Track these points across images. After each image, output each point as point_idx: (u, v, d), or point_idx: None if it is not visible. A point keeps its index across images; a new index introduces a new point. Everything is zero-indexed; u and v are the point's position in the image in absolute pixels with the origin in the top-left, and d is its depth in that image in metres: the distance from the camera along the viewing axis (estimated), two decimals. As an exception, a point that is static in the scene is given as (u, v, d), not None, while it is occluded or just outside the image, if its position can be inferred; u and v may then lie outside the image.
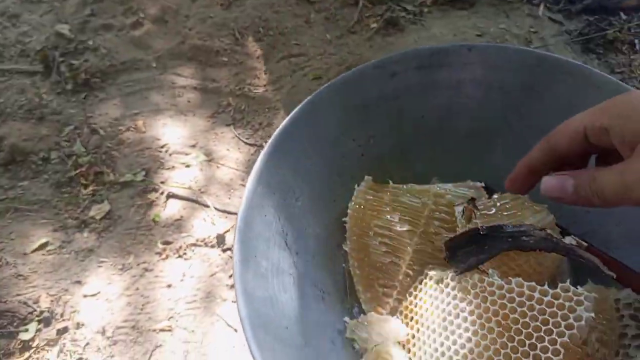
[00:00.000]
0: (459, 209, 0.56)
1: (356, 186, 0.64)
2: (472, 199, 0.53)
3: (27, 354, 0.58)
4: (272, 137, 0.58)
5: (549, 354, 0.43)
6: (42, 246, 0.67)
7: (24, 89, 0.86)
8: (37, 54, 0.90)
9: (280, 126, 0.60)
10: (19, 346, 0.58)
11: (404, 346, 0.55)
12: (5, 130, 0.79)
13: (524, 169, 0.41)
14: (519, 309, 0.47)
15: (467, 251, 0.48)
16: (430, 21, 0.92)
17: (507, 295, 0.48)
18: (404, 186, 0.63)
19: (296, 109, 0.62)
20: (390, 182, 0.65)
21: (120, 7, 0.95)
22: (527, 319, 0.46)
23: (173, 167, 0.76)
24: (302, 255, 0.61)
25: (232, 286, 0.65)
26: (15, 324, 0.59)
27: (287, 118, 0.61)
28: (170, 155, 0.77)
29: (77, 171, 0.75)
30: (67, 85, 0.85)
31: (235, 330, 0.61)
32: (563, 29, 0.90)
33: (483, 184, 0.64)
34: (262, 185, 0.57)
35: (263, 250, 0.56)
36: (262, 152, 0.57)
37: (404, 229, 0.59)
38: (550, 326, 0.44)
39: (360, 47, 0.88)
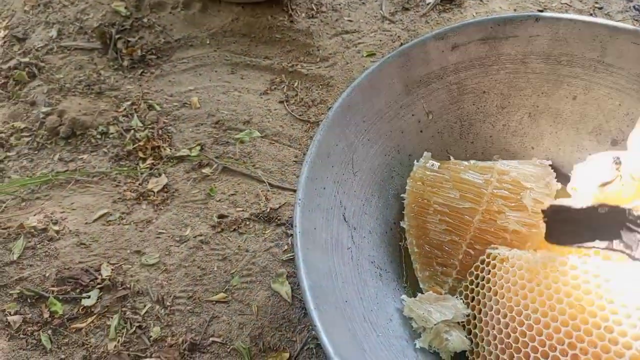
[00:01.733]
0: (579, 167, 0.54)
1: (415, 162, 0.63)
2: (618, 158, 0.50)
3: (89, 320, 0.60)
4: (331, 110, 0.57)
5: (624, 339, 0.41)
6: (103, 216, 0.69)
7: (82, 65, 0.88)
8: (94, 31, 0.92)
9: (339, 99, 0.59)
10: (82, 312, 0.60)
11: (464, 327, 0.54)
12: (65, 104, 0.82)
13: None
14: (594, 290, 0.44)
15: (573, 229, 0.45)
16: (489, -4, 0.89)
17: (582, 275, 0.46)
18: (466, 162, 0.61)
19: (355, 82, 0.61)
20: (452, 158, 0.64)
21: (174, -15, 0.96)
22: (602, 301, 0.44)
23: (227, 142, 0.76)
24: (359, 231, 0.61)
25: (287, 261, 0.65)
26: (78, 290, 0.61)
27: (346, 91, 0.60)
28: (224, 131, 0.78)
29: (135, 145, 0.76)
30: (123, 62, 0.87)
31: (290, 305, 0.61)
32: (631, 4, 0.85)
33: (550, 162, 0.61)
34: (322, 158, 0.56)
35: (322, 222, 0.55)
36: (321, 125, 0.57)
37: (466, 206, 0.58)
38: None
39: (416, 23, 0.86)
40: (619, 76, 0.61)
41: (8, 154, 0.79)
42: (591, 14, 0.84)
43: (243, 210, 0.69)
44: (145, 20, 0.92)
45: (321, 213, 0.55)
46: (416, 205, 0.60)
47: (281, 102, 0.80)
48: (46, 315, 0.59)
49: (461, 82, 0.65)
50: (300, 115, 0.78)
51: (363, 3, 0.90)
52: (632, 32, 0.60)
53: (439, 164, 0.61)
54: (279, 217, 0.68)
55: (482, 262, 0.56)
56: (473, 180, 0.58)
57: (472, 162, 0.60)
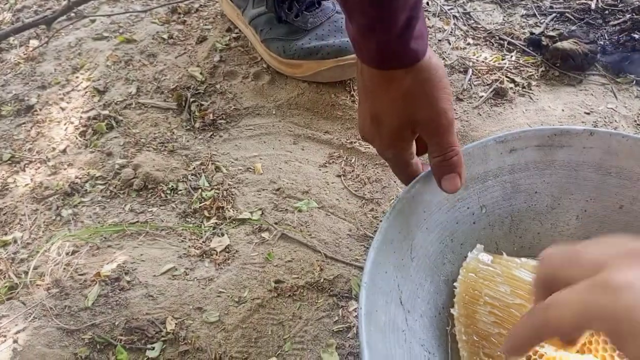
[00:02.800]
0: None
1: (469, 253, 0.68)
2: None
3: (150, 370, 0.64)
4: (397, 200, 0.63)
5: None
6: (169, 271, 0.74)
7: (158, 123, 0.96)
8: (170, 92, 1.01)
9: (405, 189, 0.64)
10: (146, 362, 0.64)
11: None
12: (140, 158, 0.89)
13: None
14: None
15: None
16: (539, 94, 0.95)
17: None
18: (519, 260, 0.65)
19: (420, 176, 0.66)
20: (504, 253, 0.68)
21: (246, 57, 1.05)
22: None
23: (286, 209, 0.82)
24: (412, 314, 0.65)
25: (337, 332, 0.68)
26: (143, 341, 0.66)
27: (412, 183, 0.65)
28: (284, 198, 0.83)
29: (201, 204, 0.82)
30: (195, 124, 0.95)
31: (339, 376, 0.64)
32: (676, 114, 0.90)
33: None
34: (386, 244, 0.61)
35: (382, 305, 0.60)
36: (388, 212, 0.62)
37: (516, 302, 0.61)
38: None
39: (469, 114, 0.92)
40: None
41: (82, 199, 0.86)
42: (635, 121, 0.90)
43: (298, 278, 0.73)
44: (218, 86, 1.00)
45: (382, 296, 0.59)
46: (467, 295, 0.64)
47: (338, 176, 0.86)
48: (113, 362, 0.63)
49: (515, 182, 0.70)
50: (355, 191, 0.84)
51: (419, 90, 0.97)
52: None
53: (492, 257, 0.65)
54: (331, 288, 0.72)
55: (529, 358, 0.59)
56: (524, 278, 0.62)
57: (523, 259, 0.64)
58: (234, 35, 1.10)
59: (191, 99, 0.98)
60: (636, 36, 0.99)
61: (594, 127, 0.89)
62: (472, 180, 0.69)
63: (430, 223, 0.68)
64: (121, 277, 0.72)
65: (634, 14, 1.05)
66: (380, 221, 0.80)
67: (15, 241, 0.81)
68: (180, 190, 0.85)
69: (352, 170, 0.87)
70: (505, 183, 0.71)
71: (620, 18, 1.06)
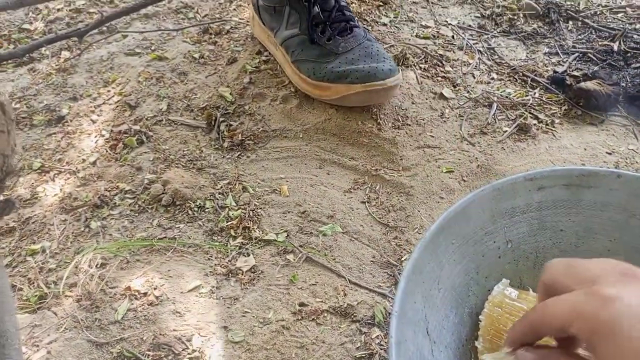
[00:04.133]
0: None
1: (495, 287, 0.69)
2: None
3: (173, 386, 0.65)
4: (428, 231, 0.64)
5: None
6: (196, 288, 0.75)
7: (187, 141, 0.98)
8: (200, 110, 1.03)
9: (436, 222, 0.66)
10: (172, 378, 0.65)
11: None
12: (170, 175, 0.91)
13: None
14: None
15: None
16: (561, 132, 0.97)
17: None
18: (544, 297, 0.66)
19: (451, 208, 0.68)
20: (530, 289, 0.69)
21: (275, 80, 1.08)
22: None
23: (311, 233, 0.83)
24: (438, 345, 0.66)
25: (359, 358, 0.69)
26: (170, 357, 0.67)
27: (442, 215, 0.67)
28: (309, 221, 0.85)
29: (228, 223, 0.84)
30: (224, 143, 0.97)
31: (362, 403, 0.65)
32: (696, 158, 0.92)
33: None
34: (416, 274, 0.62)
35: (411, 335, 0.61)
36: (419, 244, 0.63)
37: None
38: None
39: (492, 147, 0.94)
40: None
41: (111, 212, 0.88)
42: (656, 163, 0.91)
43: (322, 302, 0.75)
44: (247, 107, 1.03)
45: (410, 326, 0.60)
46: (492, 328, 0.64)
47: (363, 202, 0.88)
48: (140, 376, 0.64)
49: (542, 219, 0.71)
50: (380, 218, 0.85)
51: (444, 122, 0.99)
52: None
53: (518, 292, 0.66)
54: (354, 314, 0.73)
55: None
56: (549, 315, 0.63)
57: (549, 296, 0.65)
58: (263, 57, 1.13)
59: (220, 119, 1.00)
60: (658, 80, 1.01)
61: (616, 167, 0.90)
62: (500, 215, 0.70)
63: (457, 255, 0.69)
64: (149, 292, 0.73)
65: (655, 58, 1.08)
66: (404, 249, 0.82)
67: (43, 250, 0.82)
68: (208, 208, 0.87)
69: (377, 197, 0.88)
70: (532, 219, 0.72)
71: (642, 61, 1.08)
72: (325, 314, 0.73)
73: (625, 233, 0.72)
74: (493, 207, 0.70)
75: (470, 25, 1.22)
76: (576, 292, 0.34)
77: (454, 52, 1.15)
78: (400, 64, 1.08)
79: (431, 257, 0.65)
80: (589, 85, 0.97)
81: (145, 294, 0.73)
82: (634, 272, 0.34)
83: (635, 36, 1.16)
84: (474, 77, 1.09)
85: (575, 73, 1.04)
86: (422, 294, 0.65)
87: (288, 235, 0.83)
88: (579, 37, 1.19)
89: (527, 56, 1.16)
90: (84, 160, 0.97)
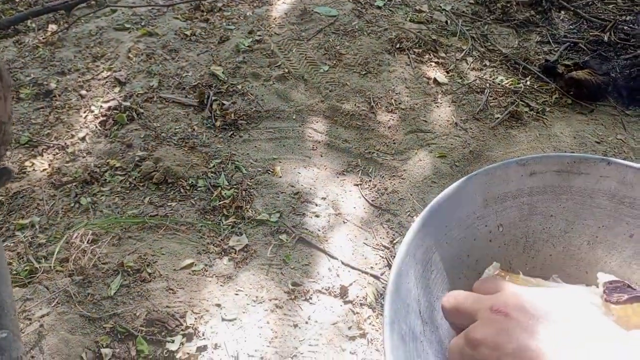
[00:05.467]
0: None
1: (486, 270, 0.70)
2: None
3: (166, 362, 0.65)
4: (421, 215, 0.65)
5: None
6: (189, 266, 0.75)
7: (179, 119, 0.97)
8: (192, 88, 1.02)
9: (428, 206, 0.66)
10: (165, 355, 0.65)
11: None
12: (161, 152, 0.90)
13: None
14: None
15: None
16: (552, 120, 0.98)
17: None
18: (534, 279, 0.68)
19: (444, 192, 0.68)
20: (521, 273, 0.70)
21: (268, 60, 1.07)
22: None
23: (304, 214, 0.84)
24: (429, 325, 0.67)
25: (351, 337, 0.70)
26: (163, 333, 0.67)
27: (435, 199, 0.67)
28: (302, 202, 0.85)
29: (221, 202, 0.84)
30: (216, 122, 0.96)
31: (353, 380, 0.66)
32: (680, 150, 0.94)
33: (604, 294, 0.68)
34: (410, 256, 0.63)
35: (403, 314, 0.61)
36: (413, 227, 0.64)
37: (529, 319, 0.64)
38: None
39: (484, 134, 0.95)
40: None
41: (102, 189, 0.87)
42: (642, 153, 0.93)
43: (315, 282, 0.75)
44: (239, 87, 1.02)
45: (403, 306, 0.61)
46: (482, 309, 0.66)
47: (356, 184, 0.88)
48: (133, 352, 0.64)
49: (532, 204, 0.72)
50: (372, 201, 0.86)
51: (437, 107, 1.00)
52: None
53: (509, 275, 0.68)
54: (347, 295, 0.74)
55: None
56: (538, 297, 0.64)
57: (538, 280, 0.67)
58: (256, 37, 1.11)
59: (213, 98, 0.99)
60: (647, 72, 1.03)
61: (604, 155, 0.92)
62: (492, 200, 0.71)
63: (450, 238, 0.70)
64: (142, 269, 0.73)
65: (644, 50, 1.10)
66: (397, 232, 0.82)
67: (32, 225, 0.81)
68: (200, 187, 0.87)
69: (370, 180, 0.89)
70: (523, 205, 0.73)
71: (632, 52, 1.10)
72: (318, 294, 0.74)
73: (614, 220, 0.74)
74: (485, 192, 0.71)
75: (464, 12, 1.23)
76: (459, 336, 0.38)
77: (447, 37, 1.15)
78: (394, 47, 1.08)
79: (424, 240, 0.66)
80: (580, 74, 0.98)
81: (138, 270, 0.73)
82: (505, 307, 0.37)
83: (625, 27, 1.17)
84: (467, 64, 1.09)
85: (567, 62, 1.05)
86: (415, 276, 0.65)
87: (281, 215, 0.83)
88: (571, 26, 1.20)
89: (519, 44, 1.17)
90: (72, 136, 0.95)
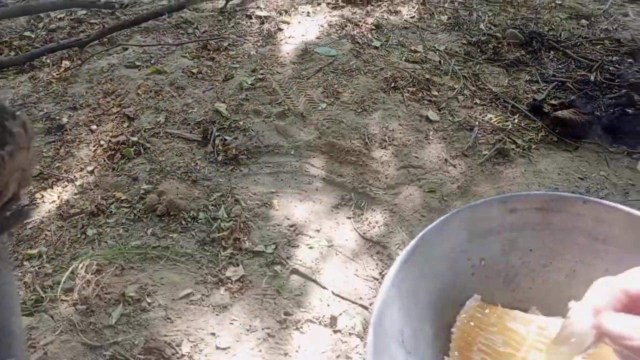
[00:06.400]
0: None
1: (467, 302, 0.73)
2: None
3: (162, 388, 0.68)
4: (407, 248, 0.69)
5: None
6: (187, 295, 0.79)
7: (183, 153, 1.02)
8: (196, 124, 1.07)
9: (414, 240, 0.70)
10: (162, 380, 0.68)
11: None
12: (165, 186, 0.95)
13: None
14: None
15: None
16: (537, 157, 1.02)
17: None
18: (512, 312, 0.71)
19: (430, 226, 0.72)
20: (499, 305, 0.74)
21: (269, 97, 1.12)
22: None
23: (298, 246, 0.88)
24: (413, 355, 0.70)
25: (340, 366, 0.73)
26: (160, 360, 0.70)
27: (420, 234, 0.71)
28: (297, 235, 0.89)
29: (220, 234, 0.88)
30: (218, 157, 1.01)
31: (340, 408, 0.69)
32: (662, 185, 0.97)
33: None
34: (394, 288, 0.67)
35: (387, 344, 0.65)
36: (397, 260, 0.68)
37: (506, 351, 0.67)
38: None
39: (472, 170, 0.99)
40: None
41: (107, 220, 0.91)
42: (624, 189, 0.97)
43: (306, 312, 0.79)
44: (241, 123, 1.08)
45: (386, 337, 0.64)
46: (463, 341, 0.69)
47: (349, 217, 0.93)
48: (131, 378, 0.68)
49: (513, 240, 0.76)
50: (364, 233, 0.90)
51: (429, 143, 1.05)
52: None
53: (488, 308, 0.71)
54: (335, 324, 0.78)
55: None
56: (516, 330, 0.68)
57: (516, 312, 0.70)
58: (259, 75, 1.18)
59: (216, 133, 1.05)
60: (630, 111, 1.08)
61: (587, 192, 0.96)
62: (476, 235, 0.75)
63: (434, 271, 0.73)
64: (142, 299, 0.77)
65: (629, 90, 1.14)
66: (386, 264, 0.86)
67: (40, 255, 0.86)
68: (201, 219, 0.91)
69: (362, 214, 0.93)
70: (504, 240, 0.77)
71: (617, 92, 1.15)
72: (309, 324, 0.77)
73: (590, 256, 0.77)
74: (469, 227, 0.75)
75: (457, 52, 1.28)
76: None
77: (440, 76, 1.21)
78: (389, 86, 1.14)
79: (409, 272, 0.70)
80: (565, 113, 1.03)
81: (138, 300, 0.77)
82: None
83: (610, 68, 1.22)
84: (459, 102, 1.14)
85: (553, 101, 1.10)
86: (399, 307, 0.69)
87: (276, 247, 0.87)
88: (559, 66, 1.26)
89: (509, 83, 1.22)
90: (82, 169, 1.01)
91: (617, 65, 1.25)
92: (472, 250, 0.79)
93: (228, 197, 0.95)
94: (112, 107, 1.14)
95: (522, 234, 0.80)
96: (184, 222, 0.91)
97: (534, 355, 0.67)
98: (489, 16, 1.37)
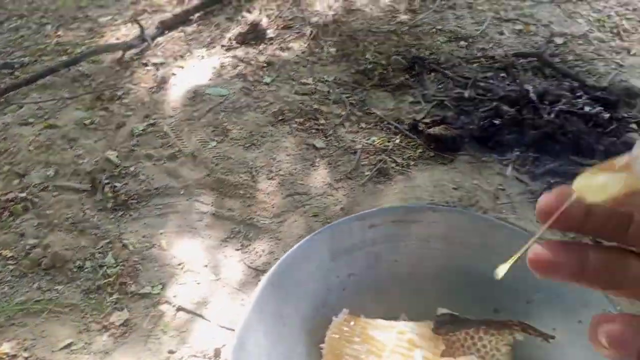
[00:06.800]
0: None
1: (334, 317, 0.77)
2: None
3: None
4: (268, 273, 0.72)
5: None
6: (68, 346, 0.79)
7: (72, 204, 1.03)
8: (86, 174, 1.09)
9: (276, 264, 0.74)
10: None
11: None
12: (51, 239, 0.95)
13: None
14: None
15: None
16: (415, 172, 1.09)
17: None
18: (372, 321, 0.75)
19: (288, 252, 0.76)
20: (362, 315, 0.78)
21: (160, 141, 1.15)
22: None
23: (185, 283, 0.90)
24: (284, 375, 0.72)
25: (222, 397, 0.75)
26: (35, 414, 0.70)
27: (281, 259, 0.75)
28: (184, 272, 0.91)
29: (105, 280, 0.89)
30: (108, 204, 1.03)
31: None
32: (528, 188, 1.06)
33: (433, 326, 0.76)
34: (256, 313, 0.70)
35: (251, 369, 0.67)
36: (259, 285, 0.71)
37: (369, 358, 0.71)
38: None
39: (355, 191, 1.05)
40: (497, 258, 0.78)
41: (-8, 279, 0.91)
42: (495, 195, 1.05)
43: (190, 347, 0.80)
44: (132, 168, 1.10)
45: (254, 359, 0.67)
46: (331, 355, 0.72)
47: (237, 250, 0.95)
48: None
49: (377, 253, 0.81)
50: (250, 263, 0.93)
51: (314, 170, 1.10)
52: (502, 227, 0.79)
53: (353, 320, 0.75)
54: (219, 355, 0.79)
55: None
56: (377, 337, 0.72)
57: (377, 320, 0.74)
58: (151, 121, 1.21)
59: (105, 181, 1.06)
60: (496, 122, 1.17)
61: (459, 201, 1.03)
62: (340, 253, 0.79)
63: (303, 291, 0.77)
64: (19, 354, 0.77)
65: (499, 103, 1.24)
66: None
67: None
68: (87, 268, 0.92)
69: (250, 244, 0.96)
70: (369, 254, 0.82)
71: (488, 106, 1.25)
72: (193, 358, 0.79)
73: (449, 259, 0.83)
74: (331, 247, 0.79)
75: (345, 81, 1.36)
76: None
77: (328, 106, 1.27)
78: (277, 119, 1.19)
79: (272, 295, 0.73)
80: (437, 130, 1.11)
81: (14, 356, 0.76)
82: None
83: (482, 84, 1.33)
84: (345, 128, 1.21)
85: (427, 120, 1.18)
86: (265, 331, 0.72)
87: (163, 287, 0.89)
88: (439, 86, 1.35)
89: (394, 106, 1.30)
90: (-32, 231, 1.00)
91: (490, 81, 1.35)
92: (339, 267, 0.83)
93: (116, 242, 0.96)
94: (3, 165, 1.14)
95: (385, 246, 0.85)
96: (69, 273, 0.91)
97: (395, 359, 0.71)
98: (374, 45, 1.46)
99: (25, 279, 0.90)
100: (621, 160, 0.21)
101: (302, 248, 0.78)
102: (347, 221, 0.81)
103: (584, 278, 0.23)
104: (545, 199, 0.22)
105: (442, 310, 0.81)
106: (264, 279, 0.73)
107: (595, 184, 0.22)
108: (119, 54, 1.43)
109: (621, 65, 1.48)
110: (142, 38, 1.44)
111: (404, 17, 1.55)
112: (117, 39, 1.53)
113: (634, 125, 1.29)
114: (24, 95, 1.37)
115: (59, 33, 1.58)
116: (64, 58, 1.46)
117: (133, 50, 1.45)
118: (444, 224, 0.83)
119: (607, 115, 1.32)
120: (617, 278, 0.23)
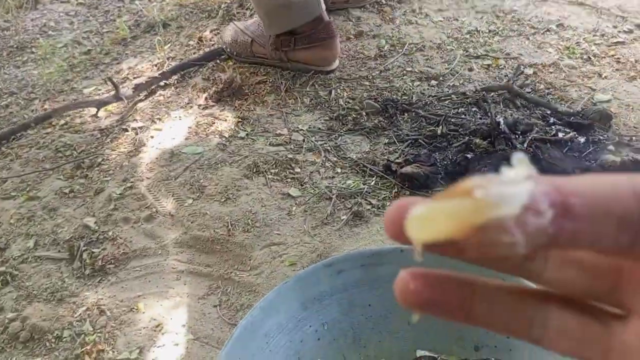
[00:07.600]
0: None
1: (310, 369, 0.76)
2: None
3: None
4: (236, 328, 0.72)
5: None
6: (42, 421, 0.77)
7: (50, 274, 1.04)
8: (65, 243, 1.10)
9: (243, 319, 0.74)
10: None
11: None
12: (29, 311, 0.95)
13: None
14: None
15: None
16: (392, 213, 1.09)
17: None
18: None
19: (257, 304, 0.76)
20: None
21: (138, 203, 1.17)
22: None
23: (164, 345, 0.88)
24: None
25: None
26: None
27: (249, 312, 0.75)
28: (162, 334, 0.90)
29: (83, 349, 0.88)
30: (85, 271, 1.03)
31: None
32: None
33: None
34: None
35: None
36: (227, 341, 0.70)
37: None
38: None
39: (331, 236, 1.05)
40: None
41: (-31, 357, 0.90)
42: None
43: None
44: (110, 233, 1.11)
45: None
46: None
47: (215, 306, 0.95)
48: None
49: (350, 298, 0.80)
50: (229, 319, 0.92)
51: (290, 218, 1.10)
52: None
53: None
54: None
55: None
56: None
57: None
58: (129, 184, 1.23)
59: (83, 248, 1.07)
60: (469, 156, 1.18)
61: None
62: (310, 302, 0.79)
63: (273, 345, 0.76)
64: None
65: (469, 137, 1.26)
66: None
67: None
68: (65, 337, 0.91)
69: (228, 300, 0.96)
70: (341, 300, 0.81)
71: (460, 140, 1.26)
72: None
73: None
74: (300, 296, 0.79)
75: (320, 128, 1.39)
76: None
77: (303, 154, 1.29)
78: (252, 172, 1.21)
79: (242, 351, 0.72)
80: (408, 169, 1.12)
81: None
82: None
83: (453, 120, 1.35)
84: (320, 174, 1.22)
85: (399, 160, 1.19)
86: (237, 386, 0.70)
87: (141, 351, 0.88)
88: (413, 125, 1.37)
89: (370, 148, 1.32)
90: (-53, 310, 1.00)
91: (462, 116, 1.38)
92: (310, 316, 0.83)
93: (94, 309, 0.95)
94: (-15, 240, 1.15)
95: (356, 290, 0.85)
96: (48, 344, 0.90)
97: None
98: (347, 92, 1.50)
99: (3, 355, 0.89)
100: (468, 183, 0.16)
101: (270, 300, 0.78)
102: (315, 268, 0.81)
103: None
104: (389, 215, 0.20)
105: (421, 353, 0.80)
106: (232, 334, 0.73)
107: (417, 218, 0.18)
108: (100, 120, 1.47)
109: (593, 90, 1.51)
110: (117, 96, 1.49)
111: (373, 63, 1.60)
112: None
113: (611, 147, 1.31)
114: (9, 169, 1.40)
115: (45, 107, 1.63)
116: (48, 130, 1.50)
117: (114, 117, 1.49)
118: (413, 263, 0.83)
119: (582, 140, 1.33)
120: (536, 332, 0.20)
